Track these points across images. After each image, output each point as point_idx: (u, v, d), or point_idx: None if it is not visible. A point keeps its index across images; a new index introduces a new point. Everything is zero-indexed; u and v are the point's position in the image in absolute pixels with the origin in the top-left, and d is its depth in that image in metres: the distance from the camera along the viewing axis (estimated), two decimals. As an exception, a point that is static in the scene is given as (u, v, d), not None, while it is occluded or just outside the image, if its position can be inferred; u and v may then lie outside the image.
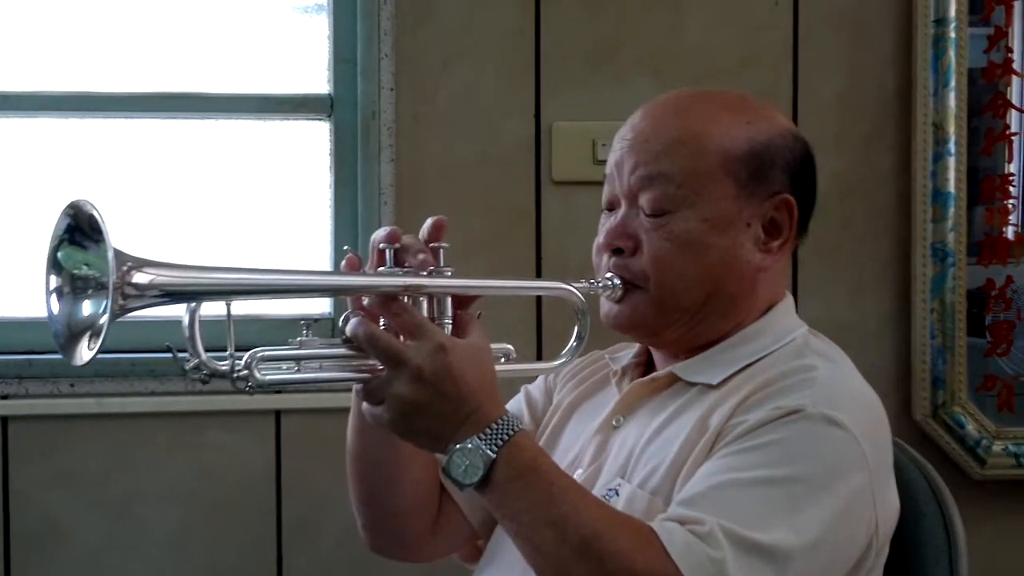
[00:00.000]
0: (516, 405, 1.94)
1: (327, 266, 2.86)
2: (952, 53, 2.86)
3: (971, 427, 2.91)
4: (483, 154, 2.86)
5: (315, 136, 2.88)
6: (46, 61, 2.82)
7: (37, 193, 2.82)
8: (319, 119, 2.87)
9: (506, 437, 1.45)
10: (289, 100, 2.87)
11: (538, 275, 2.86)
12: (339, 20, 2.84)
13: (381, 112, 2.79)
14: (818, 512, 1.49)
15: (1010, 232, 2.96)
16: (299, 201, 2.90)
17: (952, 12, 2.87)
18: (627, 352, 1.85)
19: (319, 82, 2.88)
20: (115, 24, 2.84)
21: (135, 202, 2.84)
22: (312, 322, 1.52)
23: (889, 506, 1.63)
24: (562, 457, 1.78)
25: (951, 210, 2.88)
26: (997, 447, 2.93)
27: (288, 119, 2.89)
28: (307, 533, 2.82)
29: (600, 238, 1.74)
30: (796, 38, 2.93)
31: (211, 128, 2.88)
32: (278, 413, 2.79)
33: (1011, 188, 2.95)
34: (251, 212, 2.89)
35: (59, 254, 1.38)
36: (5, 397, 2.73)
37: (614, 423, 1.74)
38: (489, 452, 1.44)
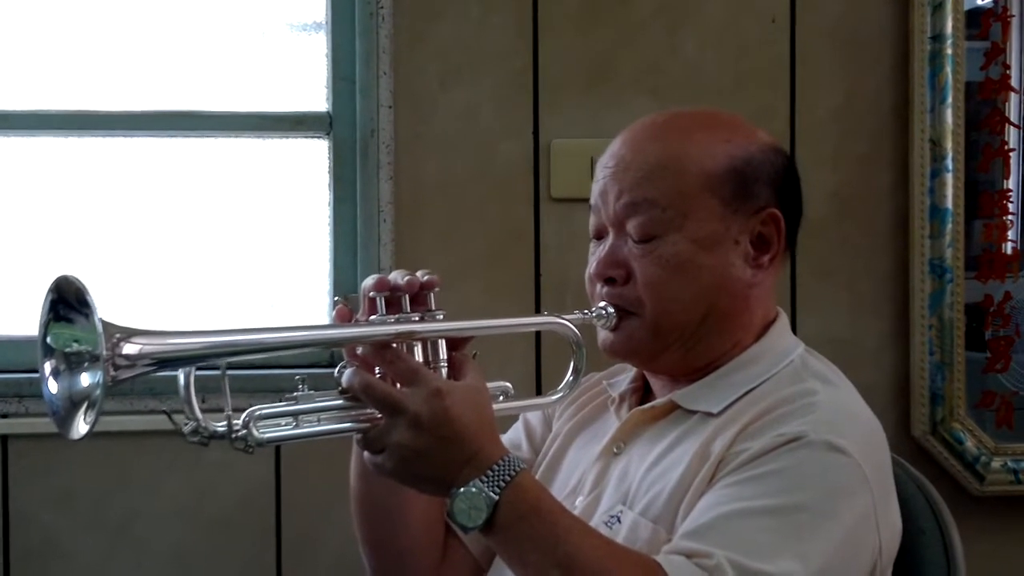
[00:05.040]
0: (515, 434, 1.94)
1: (326, 285, 2.87)
2: (949, 69, 2.87)
3: (970, 443, 2.90)
4: (481, 172, 2.86)
5: (314, 154, 2.89)
6: (44, 80, 2.83)
7: (36, 212, 2.83)
8: (318, 137, 2.88)
9: (508, 478, 1.45)
10: (288, 118, 2.88)
11: (537, 292, 2.87)
12: (338, 38, 2.85)
13: (380, 130, 2.79)
14: (823, 540, 1.49)
15: (1008, 248, 2.97)
16: (298, 219, 2.90)
17: (949, 28, 2.87)
18: (624, 377, 1.85)
19: (318, 100, 2.89)
20: (113, 43, 2.85)
21: (133, 221, 2.85)
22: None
23: (892, 527, 1.63)
24: (563, 484, 1.79)
25: (949, 226, 2.88)
26: (996, 463, 2.92)
27: (287, 137, 2.89)
28: (307, 550, 2.82)
29: (591, 268, 1.74)
30: (793, 55, 2.93)
31: (209, 146, 2.88)
32: (277, 431, 2.79)
33: (1009, 204, 2.95)
34: (250, 230, 2.89)
35: (48, 338, 1.38)
36: (5, 416, 2.73)
37: (615, 450, 1.74)
38: (492, 494, 1.44)
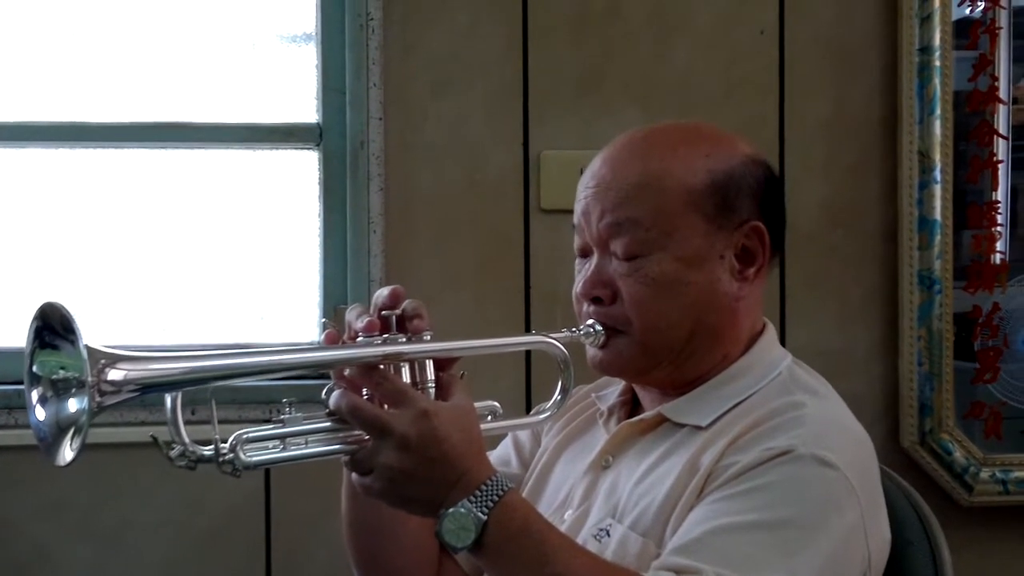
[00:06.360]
0: (504, 450, 1.94)
1: (317, 296, 2.87)
2: (937, 81, 2.87)
3: (959, 454, 2.91)
4: (471, 182, 2.86)
5: (304, 165, 2.89)
6: (33, 91, 2.82)
7: (25, 224, 2.83)
8: (308, 148, 2.88)
9: (496, 498, 1.45)
10: (278, 129, 2.88)
11: (527, 303, 2.87)
12: (328, 49, 2.85)
13: (370, 141, 2.80)
14: (813, 554, 1.49)
15: (997, 259, 2.97)
16: (288, 230, 2.90)
17: (937, 40, 2.88)
18: (612, 390, 1.85)
19: (308, 111, 2.89)
20: (103, 54, 2.84)
21: (123, 233, 2.85)
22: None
23: (880, 539, 1.64)
24: (552, 497, 1.79)
25: (937, 237, 2.89)
26: (985, 474, 2.93)
27: (277, 148, 2.89)
28: (296, 563, 2.82)
29: (578, 287, 1.74)
30: (782, 66, 2.94)
31: (200, 158, 2.88)
32: (267, 442, 2.79)
33: (997, 215, 2.96)
34: (240, 242, 2.89)
35: (34, 366, 1.37)
36: (-6, 427, 2.72)
37: (603, 463, 1.74)
38: (480, 514, 1.44)
